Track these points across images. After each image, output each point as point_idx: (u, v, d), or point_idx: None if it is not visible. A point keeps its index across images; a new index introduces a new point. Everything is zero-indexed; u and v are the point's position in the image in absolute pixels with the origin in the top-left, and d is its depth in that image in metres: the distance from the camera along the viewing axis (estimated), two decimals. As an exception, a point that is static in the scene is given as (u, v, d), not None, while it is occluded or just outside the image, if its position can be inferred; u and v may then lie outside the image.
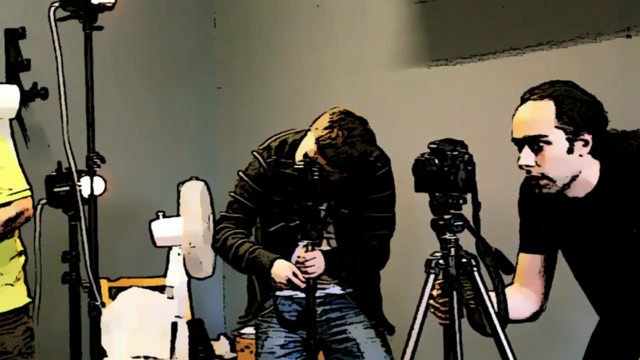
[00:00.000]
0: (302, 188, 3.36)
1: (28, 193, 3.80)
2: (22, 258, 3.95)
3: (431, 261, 2.79)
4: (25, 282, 3.94)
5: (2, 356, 3.80)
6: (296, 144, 3.58)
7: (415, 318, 2.78)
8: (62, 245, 4.18)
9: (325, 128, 3.39)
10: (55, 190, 4.18)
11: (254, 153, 3.65)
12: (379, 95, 5.21)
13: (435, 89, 4.96)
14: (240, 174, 3.67)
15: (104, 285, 5.49)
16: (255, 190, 3.63)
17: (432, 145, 2.79)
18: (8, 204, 3.72)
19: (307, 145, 3.44)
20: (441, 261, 2.78)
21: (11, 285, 3.85)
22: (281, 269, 3.46)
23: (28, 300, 3.92)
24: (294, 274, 3.42)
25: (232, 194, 3.68)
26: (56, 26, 3.80)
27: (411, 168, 2.79)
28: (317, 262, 3.42)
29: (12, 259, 3.86)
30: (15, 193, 3.72)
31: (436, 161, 2.76)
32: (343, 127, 3.37)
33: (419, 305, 2.78)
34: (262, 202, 3.64)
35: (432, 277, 2.79)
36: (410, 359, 2.77)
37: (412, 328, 2.78)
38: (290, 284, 3.44)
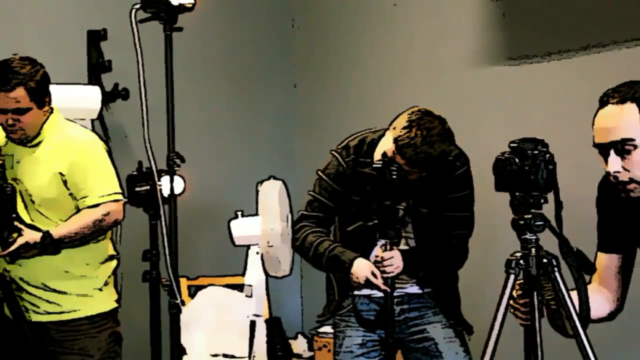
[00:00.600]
0: (380, 187, 3.36)
1: (117, 197, 3.84)
2: (113, 262, 3.98)
3: (511, 261, 2.77)
4: (115, 287, 3.98)
5: (87, 359, 3.84)
6: (374, 143, 3.57)
7: (495, 318, 2.75)
8: (143, 244, 4.24)
9: (404, 128, 3.38)
10: (136, 189, 4.24)
11: (333, 152, 3.66)
12: (456, 94, 5.18)
13: (513, 87, 4.91)
14: (319, 173, 3.68)
15: (184, 283, 5.55)
16: (334, 189, 3.63)
17: (512, 144, 2.76)
18: (96, 205, 3.77)
19: (386, 145, 3.44)
20: (522, 261, 2.75)
21: (99, 289, 3.89)
22: (361, 268, 3.46)
23: (115, 305, 3.95)
24: (373, 274, 3.42)
25: (312, 193, 3.69)
26: (137, 28, 3.85)
27: (492, 167, 2.77)
28: (395, 262, 3.42)
29: (102, 263, 3.90)
30: (103, 196, 3.76)
31: (517, 160, 2.73)
32: (422, 126, 3.36)
33: (499, 306, 2.75)
34: (341, 201, 3.64)
35: (512, 277, 2.76)
36: (490, 359, 2.75)
37: (492, 328, 2.76)
38: (369, 284, 3.44)
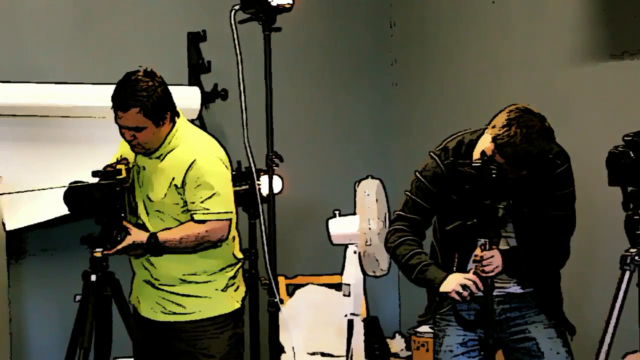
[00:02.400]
0: (480, 186, 3.33)
1: (224, 217, 3.84)
2: (239, 265, 4.02)
3: (626, 257, 2.70)
4: (235, 290, 4.01)
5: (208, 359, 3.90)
6: (473, 143, 3.54)
7: (610, 315, 2.69)
8: (242, 243, 4.28)
9: (503, 126, 3.34)
10: (235, 189, 4.28)
11: (431, 154, 3.64)
12: (556, 91, 5.11)
13: (615, 84, 4.83)
14: (417, 174, 3.66)
15: (282, 282, 5.58)
16: (431, 191, 3.61)
17: (627, 138, 2.69)
18: (203, 222, 3.81)
19: (485, 144, 3.41)
20: (637, 257, 2.69)
21: (222, 291, 3.93)
22: (449, 285, 3.45)
23: (236, 307, 3.97)
24: (464, 286, 3.40)
25: (408, 193, 3.68)
26: (236, 28, 3.89)
27: (605, 161, 2.70)
28: (494, 261, 3.38)
29: (226, 266, 3.95)
30: (211, 214, 3.81)
31: (631, 154, 2.66)
32: (521, 124, 3.32)
33: (614, 302, 2.69)
34: (438, 203, 3.62)
35: (627, 273, 2.70)
36: (605, 358, 2.69)
37: (607, 325, 2.69)
38: (458, 295, 3.43)
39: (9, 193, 4.68)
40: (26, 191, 4.45)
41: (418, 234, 3.65)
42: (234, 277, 3.97)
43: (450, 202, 3.56)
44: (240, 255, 4.02)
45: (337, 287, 4.93)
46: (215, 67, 5.44)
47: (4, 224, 4.88)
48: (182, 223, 3.83)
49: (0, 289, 4.92)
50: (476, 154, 3.44)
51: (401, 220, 3.66)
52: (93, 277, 3.81)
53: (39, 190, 4.26)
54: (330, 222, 4.71)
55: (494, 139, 3.34)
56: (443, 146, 3.62)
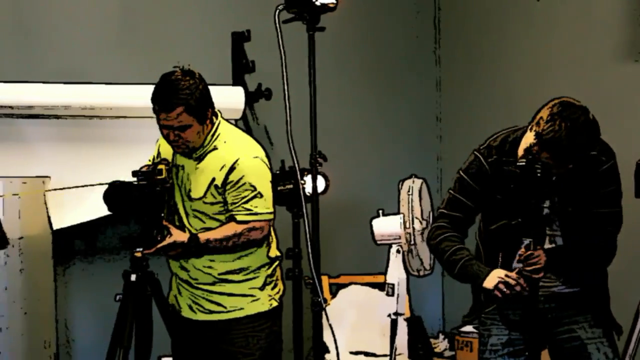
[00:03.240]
0: (524, 185, 3.32)
1: (265, 217, 3.85)
2: (276, 263, 4.01)
3: None
4: (273, 288, 4.02)
5: (246, 358, 3.92)
6: (517, 141, 3.52)
7: (637, 313, 2.66)
8: (286, 242, 4.29)
9: (548, 121, 3.32)
10: (279, 188, 4.29)
11: (475, 152, 3.63)
12: (602, 89, 5.08)
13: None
14: (461, 172, 3.65)
15: (325, 281, 5.59)
16: (474, 189, 3.60)
17: None
18: (244, 222, 3.82)
19: (529, 141, 3.39)
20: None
21: (259, 289, 3.94)
22: (491, 281, 3.44)
23: (275, 305, 3.97)
24: (506, 283, 3.39)
25: (452, 192, 3.67)
26: (280, 28, 3.90)
27: (633, 174, 2.66)
28: (539, 261, 3.37)
29: (263, 264, 3.96)
30: (251, 214, 3.82)
31: None
32: (566, 118, 3.29)
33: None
34: (481, 201, 3.61)
35: None
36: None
37: (633, 325, 2.68)
38: (499, 292, 3.41)
39: (53, 190, 4.74)
40: (69, 188, 4.48)
41: (460, 232, 3.65)
42: (271, 275, 3.97)
43: (494, 201, 3.54)
44: (275, 255, 4.00)
45: (381, 286, 4.92)
46: (259, 66, 5.45)
47: (50, 223, 4.93)
48: (223, 223, 3.84)
49: (47, 288, 4.98)
50: (520, 151, 3.42)
51: (444, 217, 3.66)
52: (133, 277, 3.84)
53: (81, 186, 4.28)
54: (374, 221, 4.71)
55: (538, 135, 3.32)
56: (487, 144, 3.61)
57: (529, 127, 3.42)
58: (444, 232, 3.63)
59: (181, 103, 3.70)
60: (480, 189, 3.58)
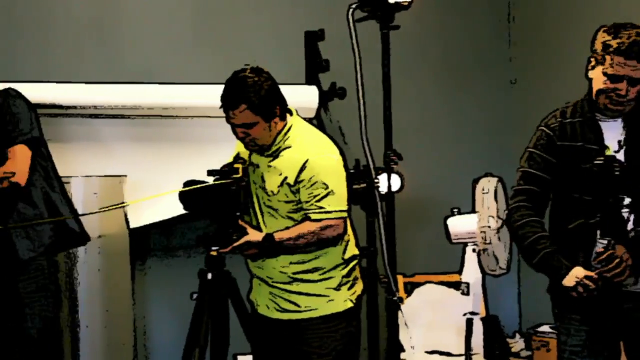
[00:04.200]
0: (603, 184, 3.27)
1: (339, 215, 3.82)
2: (353, 263, 3.97)
3: None
4: (349, 289, 4.00)
5: (322, 359, 3.92)
6: (579, 105, 3.53)
7: None
8: (361, 241, 4.28)
9: (614, 35, 3.45)
10: (354, 187, 4.28)
11: (539, 128, 3.61)
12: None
13: None
14: (529, 149, 3.61)
15: (400, 281, 5.57)
16: (546, 159, 3.55)
17: None
18: (318, 221, 3.82)
19: (600, 78, 3.39)
20: None
21: (335, 289, 3.91)
22: (572, 277, 3.40)
23: (351, 305, 3.92)
24: (583, 284, 3.34)
25: (521, 168, 3.62)
26: (354, 27, 3.90)
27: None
28: (623, 263, 3.32)
29: (339, 264, 3.95)
30: (325, 212, 3.81)
31: None
32: (630, 28, 3.41)
33: None
34: (554, 173, 3.54)
35: None
36: None
37: None
38: (577, 294, 3.37)
39: (134, 202, 4.80)
40: (149, 197, 4.51)
41: (539, 211, 3.58)
42: (347, 275, 3.94)
43: (567, 170, 3.48)
44: (351, 255, 3.95)
45: (456, 285, 4.90)
46: (334, 66, 5.45)
47: (128, 222, 4.99)
48: (297, 222, 3.85)
49: (125, 287, 5.05)
50: (597, 85, 3.48)
51: (521, 194, 3.60)
52: (209, 276, 3.87)
53: (161, 194, 4.31)
54: (449, 220, 4.70)
55: (616, 50, 3.41)
56: (548, 117, 3.60)
57: (590, 67, 3.54)
58: (524, 215, 3.56)
59: (244, 101, 3.71)
60: (552, 159, 3.53)
